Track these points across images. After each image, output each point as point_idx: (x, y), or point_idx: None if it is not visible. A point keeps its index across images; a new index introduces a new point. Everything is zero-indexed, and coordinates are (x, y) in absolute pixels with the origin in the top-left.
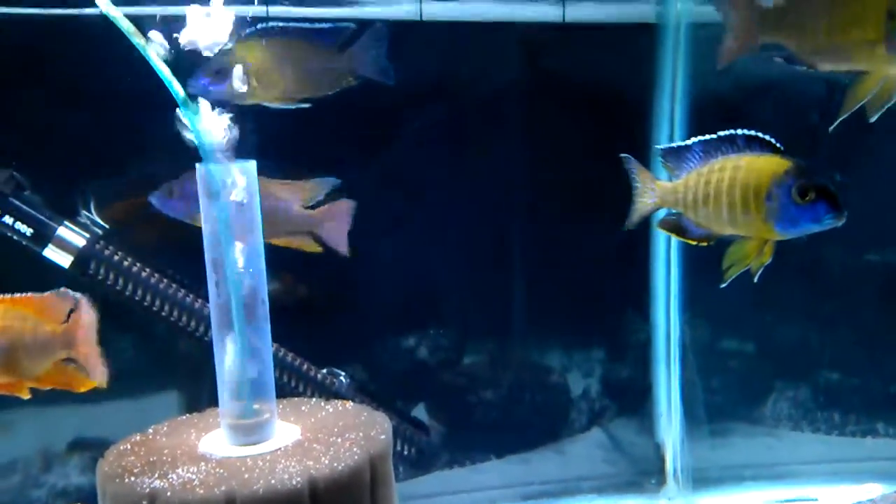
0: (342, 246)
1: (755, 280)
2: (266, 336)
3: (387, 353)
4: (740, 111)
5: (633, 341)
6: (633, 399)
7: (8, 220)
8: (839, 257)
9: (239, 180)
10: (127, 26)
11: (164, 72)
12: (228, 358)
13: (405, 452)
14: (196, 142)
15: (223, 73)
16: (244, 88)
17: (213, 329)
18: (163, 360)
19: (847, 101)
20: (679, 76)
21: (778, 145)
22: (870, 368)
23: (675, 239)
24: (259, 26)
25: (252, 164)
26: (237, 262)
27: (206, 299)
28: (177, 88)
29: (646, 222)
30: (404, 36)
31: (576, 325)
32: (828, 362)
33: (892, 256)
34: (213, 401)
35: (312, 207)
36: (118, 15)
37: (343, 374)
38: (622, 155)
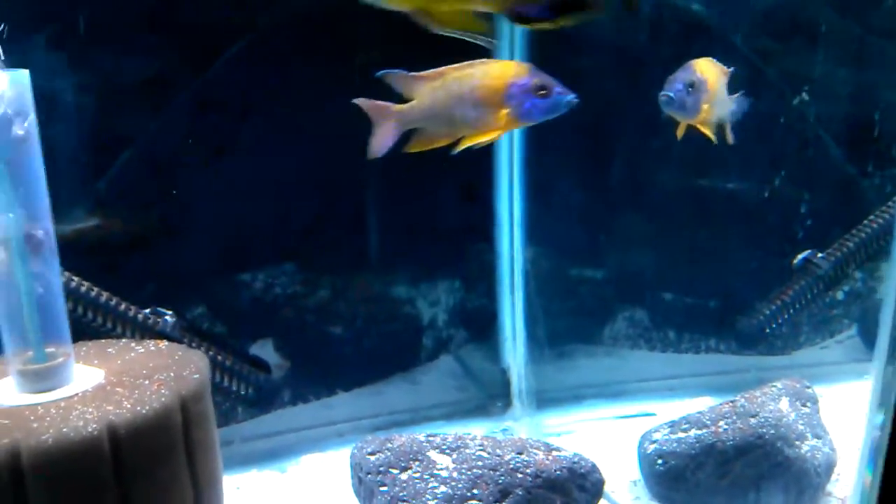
0: None
1: None
2: (54, 271)
3: (228, 291)
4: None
5: (479, 270)
6: (481, 326)
7: None
8: (670, 182)
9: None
10: None
11: None
12: (9, 295)
13: (242, 392)
14: None
15: None
16: None
17: None
18: None
19: None
20: None
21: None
22: (700, 288)
23: (516, 168)
24: None
25: (25, 74)
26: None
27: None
28: None
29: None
30: None
31: (422, 256)
32: (661, 283)
33: (717, 181)
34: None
35: None
36: None
37: (169, 313)
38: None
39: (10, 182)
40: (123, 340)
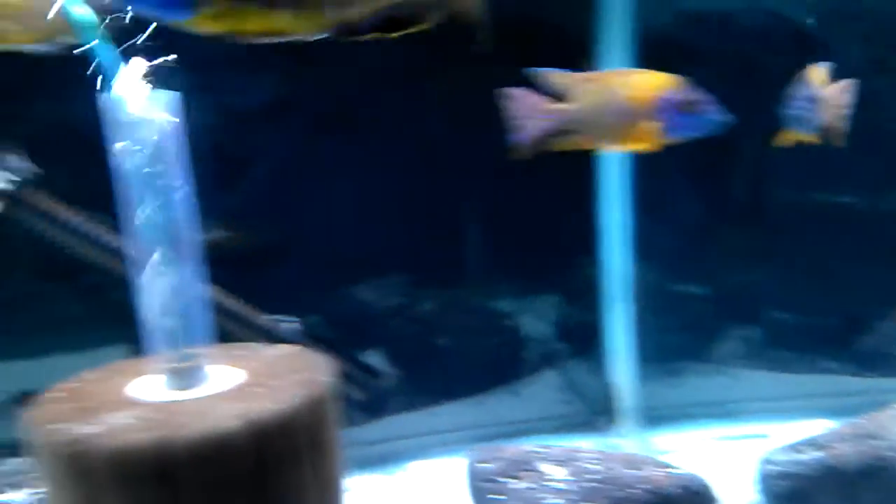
0: None
1: None
2: (198, 277)
3: (339, 301)
4: (685, 44)
5: (585, 283)
6: (585, 341)
7: None
8: (786, 196)
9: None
10: None
11: None
12: (157, 300)
13: (356, 398)
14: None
15: None
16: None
17: (140, 270)
18: (97, 309)
19: None
20: (622, 8)
21: None
22: (817, 306)
23: (623, 179)
24: None
25: (175, 97)
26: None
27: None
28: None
29: (592, 162)
30: None
31: (527, 269)
32: (776, 301)
33: (835, 194)
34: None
35: None
36: None
37: (290, 319)
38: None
39: (160, 193)
40: (254, 344)
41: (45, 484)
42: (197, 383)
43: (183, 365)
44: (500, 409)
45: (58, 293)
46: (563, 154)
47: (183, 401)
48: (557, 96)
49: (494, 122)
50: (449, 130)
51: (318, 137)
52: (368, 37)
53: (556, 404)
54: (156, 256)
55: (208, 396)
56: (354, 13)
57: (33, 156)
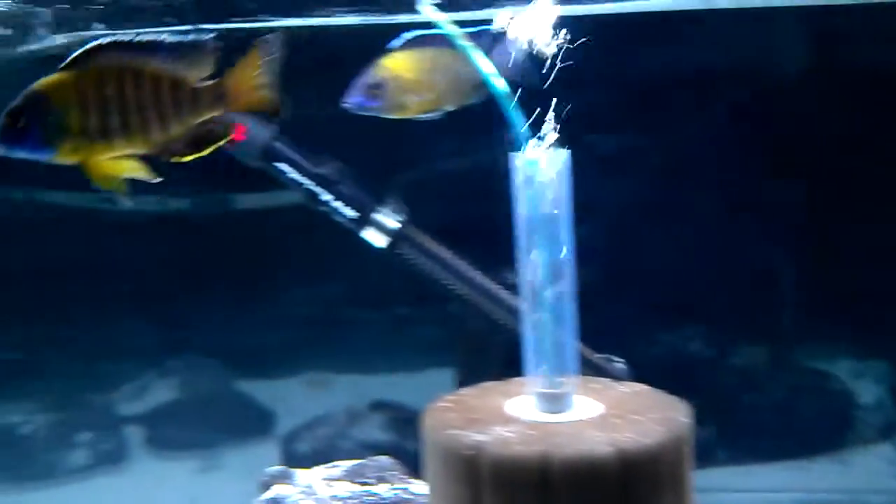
0: None
1: None
2: (572, 312)
3: (653, 345)
4: None
5: None
6: None
7: (336, 204)
8: None
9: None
10: (452, 28)
11: (484, 67)
12: (538, 329)
13: None
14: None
15: (377, 88)
16: (402, 102)
17: (525, 305)
18: (454, 336)
19: None
20: None
21: None
22: None
23: None
24: (405, 36)
25: (565, 154)
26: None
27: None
28: (497, 84)
29: None
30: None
31: (861, 328)
32: None
33: None
34: (495, 376)
35: None
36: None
37: (621, 360)
38: None
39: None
40: (605, 380)
41: (432, 480)
42: (564, 408)
43: (553, 391)
44: (828, 476)
45: (423, 317)
46: None
47: (555, 423)
48: None
49: (817, 167)
50: (773, 175)
51: (651, 184)
52: (185, 159)
53: (888, 478)
54: (547, 294)
55: (577, 421)
56: (171, 136)
57: (418, 199)
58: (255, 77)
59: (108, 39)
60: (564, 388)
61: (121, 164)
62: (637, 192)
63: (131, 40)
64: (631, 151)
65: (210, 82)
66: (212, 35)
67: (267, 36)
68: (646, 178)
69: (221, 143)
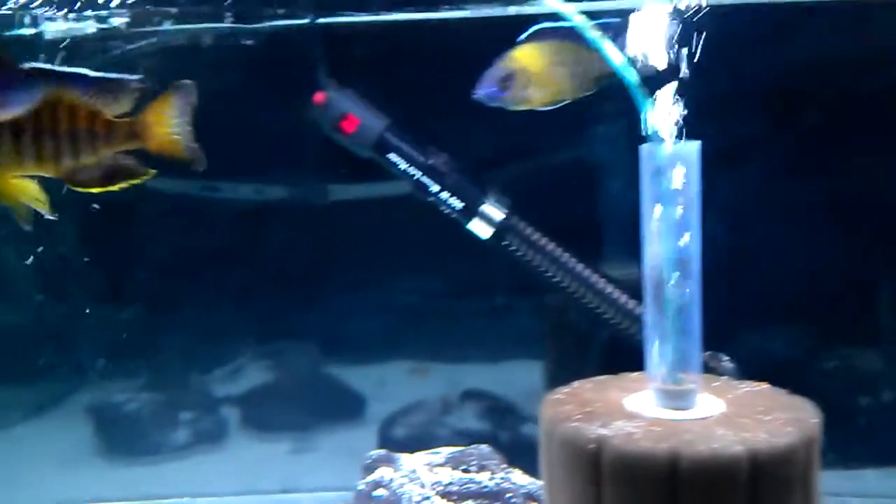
0: None
1: None
2: (698, 309)
3: (764, 343)
4: None
5: None
6: None
7: (444, 195)
8: None
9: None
10: (580, 20)
11: (617, 60)
12: (662, 325)
13: None
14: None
15: (507, 80)
16: (526, 94)
17: (648, 299)
18: (553, 329)
19: None
20: None
21: None
22: None
23: None
24: (532, 28)
25: (696, 145)
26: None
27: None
28: (630, 77)
29: None
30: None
31: None
32: None
33: None
34: (593, 370)
35: None
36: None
37: (726, 357)
38: None
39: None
40: (724, 378)
41: (548, 471)
42: (688, 406)
43: (677, 387)
44: None
45: (522, 308)
46: None
47: (680, 420)
48: None
49: None
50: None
51: (764, 178)
52: (94, 190)
53: None
54: (671, 283)
55: (703, 419)
56: (82, 164)
57: (523, 192)
58: (170, 119)
59: (30, 65)
60: (688, 384)
61: (26, 185)
62: (760, 188)
63: (55, 70)
64: (759, 144)
65: (126, 119)
66: (137, 77)
67: (184, 81)
68: (771, 172)
69: (134, 180)
